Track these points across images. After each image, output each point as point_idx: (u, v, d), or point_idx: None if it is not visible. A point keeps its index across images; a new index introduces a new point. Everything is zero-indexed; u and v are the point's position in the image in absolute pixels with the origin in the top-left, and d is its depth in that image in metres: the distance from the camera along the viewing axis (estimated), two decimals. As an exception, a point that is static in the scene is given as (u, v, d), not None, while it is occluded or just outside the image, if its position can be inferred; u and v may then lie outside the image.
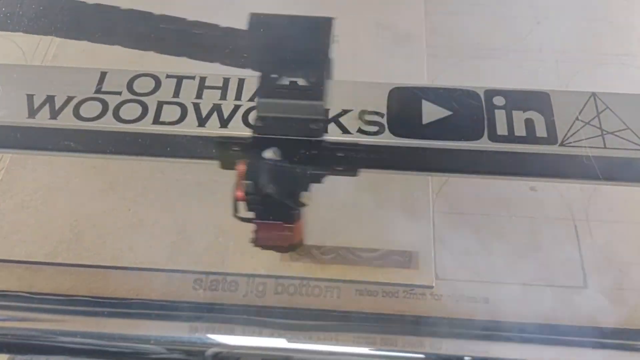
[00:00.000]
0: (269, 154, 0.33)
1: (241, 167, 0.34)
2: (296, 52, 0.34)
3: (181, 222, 0.43)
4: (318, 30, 0.35)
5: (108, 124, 0.34)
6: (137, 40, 0.36)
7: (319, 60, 0.34)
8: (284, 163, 0.33)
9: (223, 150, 0.34)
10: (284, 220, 0.36)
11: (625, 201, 0.44)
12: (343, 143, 0.34)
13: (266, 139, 0.34)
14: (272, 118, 0.33)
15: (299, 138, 0.33)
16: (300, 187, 0.34)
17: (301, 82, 0.33)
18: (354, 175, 0.35)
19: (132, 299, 0.40)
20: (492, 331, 0.38)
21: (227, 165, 0.36)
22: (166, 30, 0.36)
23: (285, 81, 0.33)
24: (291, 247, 0.41)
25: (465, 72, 0.51)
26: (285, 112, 0.33)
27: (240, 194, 0.34)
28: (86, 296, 0.40)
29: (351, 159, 0.34)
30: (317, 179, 0.35)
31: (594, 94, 0.35)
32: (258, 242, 0.40)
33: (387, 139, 0.34)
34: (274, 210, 0.35)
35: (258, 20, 0.35)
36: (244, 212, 0.37)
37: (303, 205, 0.34)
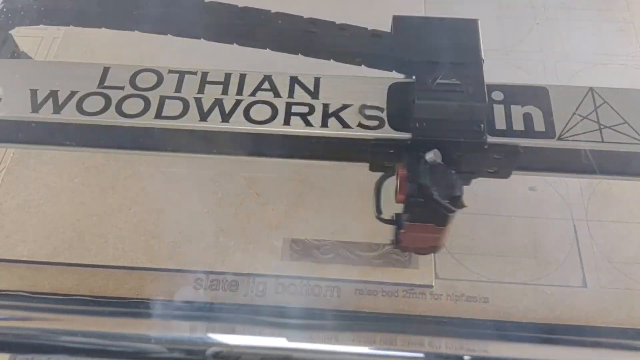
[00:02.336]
0: (431, 156, 0.33)
1: (402, 169, 0.33)
2: (451, 54, 0.34)
3: (181, 222, 0.43)
4: (467, 31, 0.34)
5: (111, 118, 0.34)
6: (284, 43, 0.35)
7: (474, 61, 0.33)
8: (445, 165, 0.33)
9: (378, 152, 0.34)
10: (438, 222, 0.36)
11: (624, 201, 0.44)
12: (502, 145, 0.33)
13: (425, 141, 0.33)
14: (430, 120, 0.33)
15: (460, 140, 0.33)
16: (458, 190, 0.33)
17: (458, 83, 0.33)
18: (507, 177, 0.35)
19: (133, 299, 0.40)
20: (492, 330, 0.39)
21: (378, 167, 0.35)
22: (312, 33, 0.35)
23: (442, 83, 0.33)
24: (433, 249, 0.40)
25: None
26: (446, 114, 0.33)
27: (402, 196, 0.33)
28: (87, 296, 0.40)
29: (508, 161, 0.34)
30: (467, 182, 0.35)
31: (591, 89, 0.35)
32: (403, 243, 0.39)
33: (386, 132, 0.33)
34: (431, 213, 0.35)
35: (402, 23, 0.35)
36: (387, 214, 0.37)
37: (463, 207, 0.34)
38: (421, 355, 0.38)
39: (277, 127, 0.34)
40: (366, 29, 0.36)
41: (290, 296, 0.40)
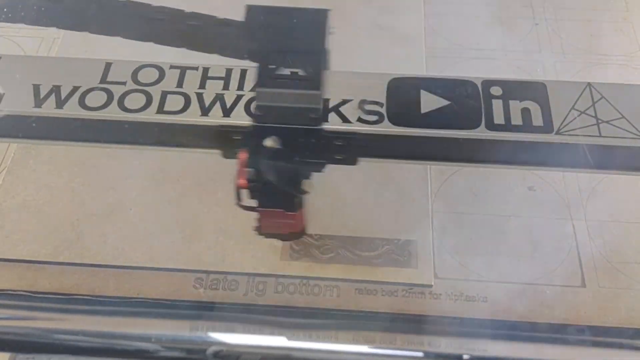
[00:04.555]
0: (269, 142, 0.34)
1: (243, 155, 0.34)
2: (294, 43, 0.34)
3: (182, 222, 0.43)
4: (314, 22, 0.35)
5: (113, 113, 0.35)
6: (136, 31, 0.36)
7: (316, 50, 0.34)
8: (284, 151, 0.34)
9: (224, 139, 0.35)
10: (286, 208, 0.37)
11: (623, 201, 0.44)
12: (341, 132, 0.34)
13: (266, 127, 0.34)
14: (271, 107, 0.34)
15: (298, 127, 0.34)
16: (301, 175, 0.34)
17: (299, 72, 0.33)
18: (353, 164, 0.35)
19: (133, 298, 0.40)
20: (491, 330, 0.39)
21: (229, 154, 0.36)
22: (164, 22, 0.36)
23: (284, 71, 0.34)
24: (293, 235, 0.41)
25: (464, 72, 0.51)
26: (284, 101, 0.34)
27: (242, 181, 0.34)
28: (87, 295, 0.40)
29: (350, 148, 0.35)
30: (318, 168, 0.36)
31: (589, 84, 0.36)
32: (261, 230, 0.40)
33: (385, 127, 0.34)
34: (276, 198, 0.36)
35: (255, 12, 0.36)
36: (247, 201, 0.37)
37: (304, 192, 0.35)
38: (420, 354, 0.38)
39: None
40: (216, 17, 0.36)
41: (290, 296, 0.40)
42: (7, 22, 0.39)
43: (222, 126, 0.34)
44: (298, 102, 0.33)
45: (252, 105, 0.34)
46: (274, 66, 0.34)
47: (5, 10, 0.38)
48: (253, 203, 0.37)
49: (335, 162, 0.36)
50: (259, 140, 0.34)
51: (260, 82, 0.34)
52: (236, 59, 0.36)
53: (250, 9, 0.36)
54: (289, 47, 0.34)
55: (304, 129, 0.34)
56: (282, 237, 0.41)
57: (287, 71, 0.34)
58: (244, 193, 0.36)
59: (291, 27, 0.35)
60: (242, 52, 0.35)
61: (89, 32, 0.36)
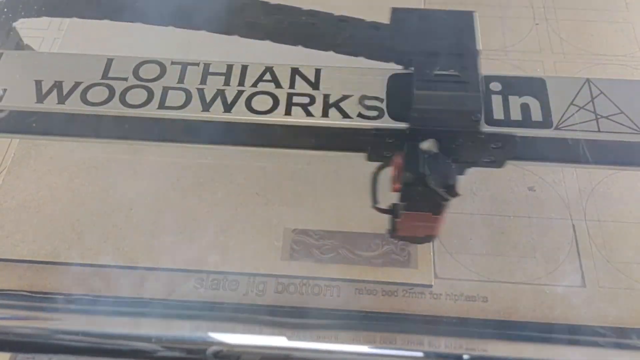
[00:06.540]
0: (427, 145, 0.33)
1: (398, 158, 0.34)
2: (448, 45, 0.34)
3: (182, 222, 0.43)
4: (464, 23, 0.35)
5: (115, 108, 0.35)
6: (284, 34, 0.36)
7: (471, 52, 0.34)
8: (441, 154, 0.33)
9: (376, 142, 0.35)
10: (434, 211, 0.36)
11: (623, 201, 0.44)
12: (499, 134, 0.34)
13: (422, 130, 0.34)
14: (429, 110, 0.33)
15: (456, 129, 0.33)
16: (453, 179, 0.34)
17: (457, 74, 0.33)
18: (501, 167, 0.35)
19: (133, 298, 0.40)
20: (491, 330, 0.39)
21: (376, 157, 0.36)
22: (312, 25, 0.36)
23: (439, 73, 0.33)
24: (427, 238, 0.40)
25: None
26: (443, 104, 0.33)
27: (398, 185, 0.34)
28: (87, 295, 0.40)
29: (503, 151, 0.34)
30: (462, 171, 0.36)
31: (588, 80, 0.35)
32: (397, 232, 0.40)
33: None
34: (427, 201, 0.35)
35: (401, 15, 0.35)
36: (383, 204, 0.37)
37: (456, 195, 0.34)
38: (420, 354, 0.38)
39: (278, 117, 0.34)
40: (364, 20, 0.36)
41: (290, 296, 0.40)
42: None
43: (379, 129, 0.34)
44: (457, 104, 0.33)
45: (412, 108, 0.33)
46: (429, 69, 0.33)
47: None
48: (387, 206, 0.37)
49: (484, 165, 0.36)
50: (415, 143, 0.34)
51: (418, 85, 0.33)
52: (383, 61, 0.35)
53: (396, 12, 0.35)
54: (444, 50, 0.34)
55: (462, 131, 0.33)
56: (415, 240, 0.41)
57: (443, 74, 0.33)
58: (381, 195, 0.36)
59: (442, 30, 0.35)
60: (391, 55, 0.35)
61: (238, 36, 0.36)
